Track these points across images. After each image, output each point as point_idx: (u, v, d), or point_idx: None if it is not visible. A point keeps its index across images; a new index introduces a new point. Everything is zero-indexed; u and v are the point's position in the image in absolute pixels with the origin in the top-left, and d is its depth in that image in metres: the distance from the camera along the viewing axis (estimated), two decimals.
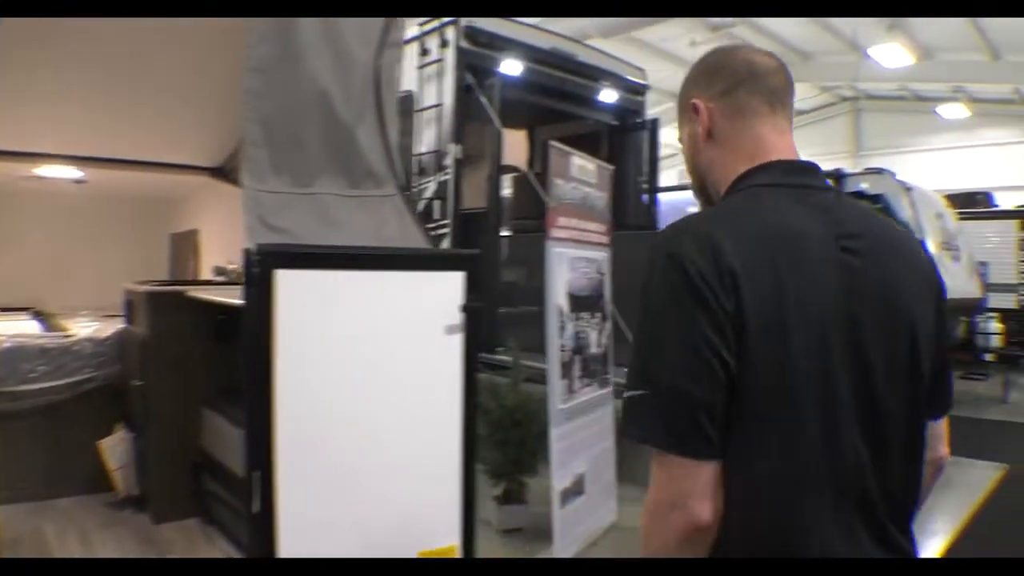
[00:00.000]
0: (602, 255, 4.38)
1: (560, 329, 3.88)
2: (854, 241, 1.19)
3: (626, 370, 1.20)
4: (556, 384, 3.85)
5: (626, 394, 1.15)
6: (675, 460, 1.10)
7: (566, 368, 3.93)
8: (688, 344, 1.08)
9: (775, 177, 1.25)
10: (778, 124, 1.32)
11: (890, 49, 14.52)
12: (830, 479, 1.13)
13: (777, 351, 1.10)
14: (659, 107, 18.68)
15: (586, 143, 8.24)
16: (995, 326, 10.24)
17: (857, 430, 1.14)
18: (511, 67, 6.90)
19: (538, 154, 8.58)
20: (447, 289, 2.39)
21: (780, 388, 1.10)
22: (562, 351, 3.89)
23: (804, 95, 21.91)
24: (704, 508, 1.09)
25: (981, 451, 7.02)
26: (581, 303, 4.09)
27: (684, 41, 15.17)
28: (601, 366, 4.33)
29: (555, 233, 3.90)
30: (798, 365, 1.10)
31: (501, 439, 4.65)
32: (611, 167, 4.55)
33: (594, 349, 4.24)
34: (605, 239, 4.41)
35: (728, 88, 1.31)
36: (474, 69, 6.67)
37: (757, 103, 1.30)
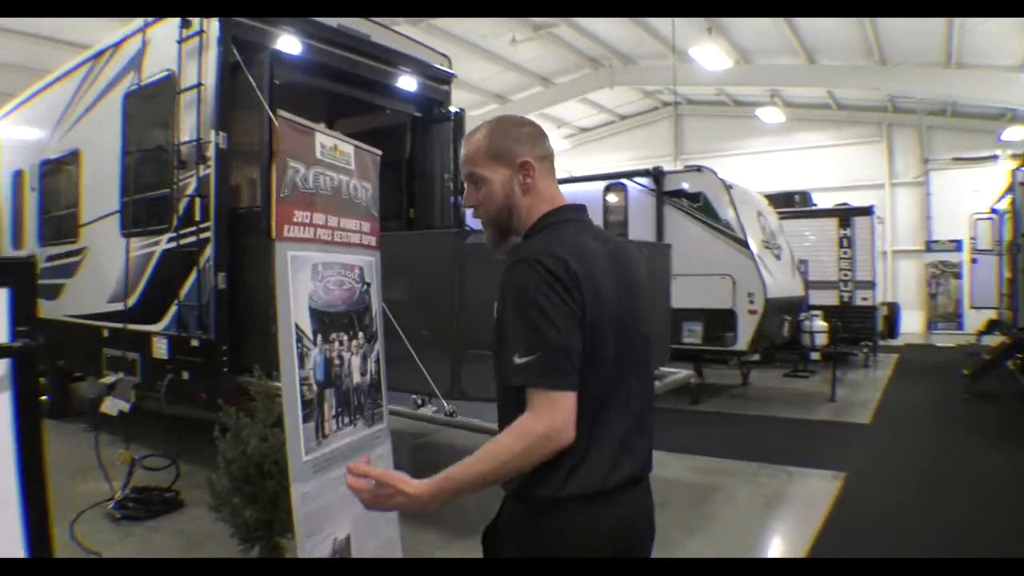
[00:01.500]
0: (367, 259, 3.47)
1: (300, 357, 2.96)
2: (615, 255, 1.86)
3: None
4: (296, 429, 2.92)
5: (518, 361, 1.63)
6: (556, 395, 1.62)
7: (312, 407, 3.01)
8: (564, 316, 1.65)
9: (569, 215, 1.89)
10: (555, 181, 1.96)
11: (709, 51, 14.61)
12: (619, 400, 1.77)
13: (595, 323, 1.71)
14: (483, 108, 18.22)
15: (391, 137, 7.35)
16: (820, 324, 10.16)
17: (629, 368, 1.80)
18: (288, 44, 5.88)
19: None
20: None
21: (597, 344, 1.71)
22: (304, 385, 2.98)
23: (627, 100, 22.17)
24: (570, 431, 1.63)
25: (817, 456, 6.77)
26: (333, 321, 3.17)
27: (506, 39, 14.67)
28: (369, 398, 3.42)
29: (289, 231, 2.98)
30: (604, 331, 1.73)
31: (249, 495, 3.68)
32: (377, 152, 3.64)
33: (357, 378, 3.33)
34: (370, 239, 3.51)
35: (547, 154, 1.92)
36: (243, 44, 5.60)
37: (553, 167, 1.96)
